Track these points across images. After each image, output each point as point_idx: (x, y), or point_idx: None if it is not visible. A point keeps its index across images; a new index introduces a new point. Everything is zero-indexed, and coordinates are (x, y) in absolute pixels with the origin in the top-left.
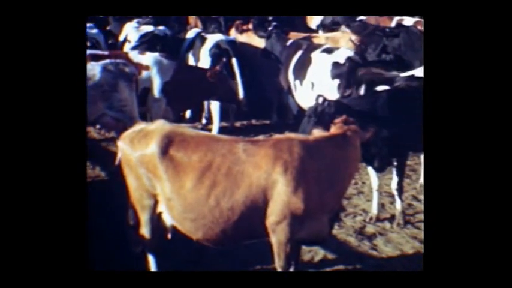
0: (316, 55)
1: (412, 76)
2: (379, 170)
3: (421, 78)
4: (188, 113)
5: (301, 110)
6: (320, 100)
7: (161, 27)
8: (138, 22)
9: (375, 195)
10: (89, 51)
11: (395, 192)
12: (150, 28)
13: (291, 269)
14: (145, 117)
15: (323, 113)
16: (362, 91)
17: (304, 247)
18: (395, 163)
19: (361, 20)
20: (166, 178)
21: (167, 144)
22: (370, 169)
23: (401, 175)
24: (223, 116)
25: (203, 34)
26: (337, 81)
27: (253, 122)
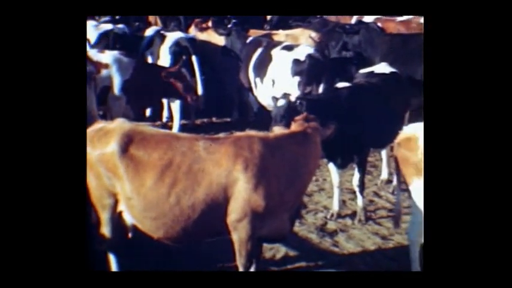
0: (276, 52)
1: (372, 72)
2: (341, 166)
3: (380, 74)
4: (148, 111)
5: (261, 107)
6: (292, 99)
7: (120, 26)
8: (109, 21)
9: (336, 191)
10: None
11: (356, 189)
12: (109, 26)
13: (253, 267)
14: (105, 115)
15: (295, 112)
16: (322, 88)
17: (265, 244)
18: (357, 159)
19: (321, 17)
20: (126, 177)
21: (127, 143)
22: (331, 166)
23: (362, 171)
24: (183, 114)
25: (162, 32)
26: (297, 78)
27: (214, 119)
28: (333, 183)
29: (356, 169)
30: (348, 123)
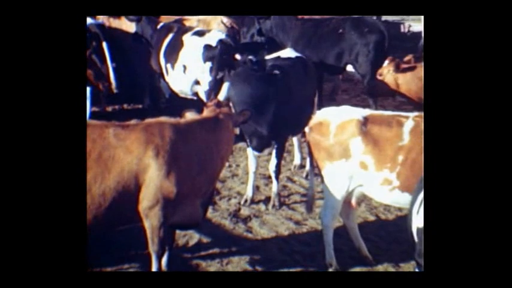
0: (187, 38)
1: (278, 57)
2: (260, 150)
3: (287, 59)
4: None
5: (173, 93)
6: None
7: None
8: None
9: (252, 177)
10: None
11: (272, 174)
12: None
13: (166, 254)
14: None
15: None
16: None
17: (178, 231)
18: (276, 145)
19: None
20: None
21: None
22: (249, 151)
23: (279, 157)
24: (94, 101)
25: None
26: (209, 64)
27: (126, 106)
28: (249, 169)
29: (274, 154)
30: (267, 109)
